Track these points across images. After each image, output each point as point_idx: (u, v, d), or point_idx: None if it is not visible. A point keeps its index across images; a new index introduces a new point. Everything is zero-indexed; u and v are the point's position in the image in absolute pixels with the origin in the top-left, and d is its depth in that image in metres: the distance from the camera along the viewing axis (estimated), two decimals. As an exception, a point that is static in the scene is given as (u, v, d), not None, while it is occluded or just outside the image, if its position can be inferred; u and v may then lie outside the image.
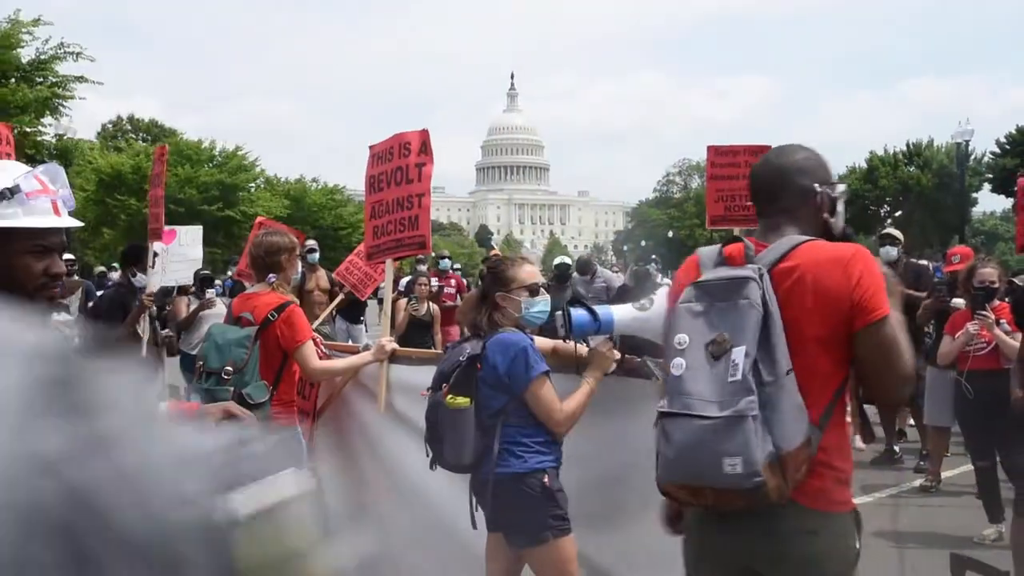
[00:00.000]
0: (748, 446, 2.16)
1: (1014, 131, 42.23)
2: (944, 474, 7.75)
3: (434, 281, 12.24)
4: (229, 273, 16.22)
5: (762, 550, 2.39)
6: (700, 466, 2.24)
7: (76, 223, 2.30)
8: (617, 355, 3.69)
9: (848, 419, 2.59)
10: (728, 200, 6.75)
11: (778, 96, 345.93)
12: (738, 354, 2.22)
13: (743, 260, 2.38)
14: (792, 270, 2.35)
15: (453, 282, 12.53)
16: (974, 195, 48.50)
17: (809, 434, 2.27)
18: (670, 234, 69.92)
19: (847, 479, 2.43)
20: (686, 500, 2.41)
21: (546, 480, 3.45)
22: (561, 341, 3.80)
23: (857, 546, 2.44)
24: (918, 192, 48.78)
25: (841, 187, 2.59)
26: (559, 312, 3.57)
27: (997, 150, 43.73)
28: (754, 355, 2.21)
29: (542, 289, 3.73)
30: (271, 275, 4.63)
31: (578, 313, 3.51)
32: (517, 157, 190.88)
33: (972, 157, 41.51)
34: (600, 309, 3.57)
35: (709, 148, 7.04)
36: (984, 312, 6.08)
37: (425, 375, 4.04)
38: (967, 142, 32.69)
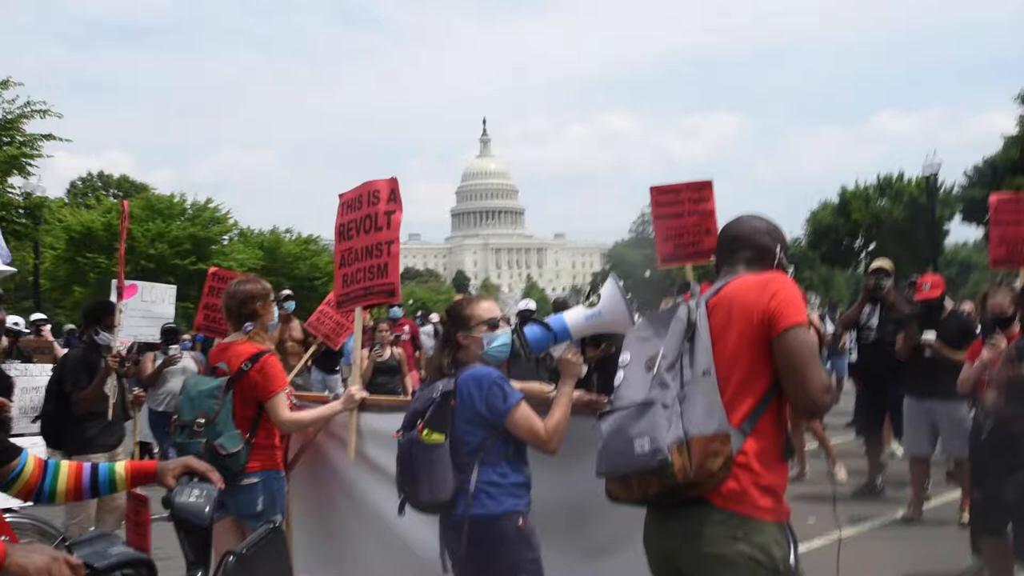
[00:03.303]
0: (654, 427, 2.47)
1: (980, 163, 42.74)
2: (925, 505, 7.73)
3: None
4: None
5: (687, 551, 2.59)
6: (617, 450, 2.54)
7: (10, 270, 2.26)
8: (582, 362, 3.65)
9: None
10: (676, 237, 6.70)
11: (748, 132, 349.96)
12: (659, 355, 2.60)
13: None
14: (722, 295, 2.73)
15: (407, 328, 12.61)
16: (945, 226, 49.01)
17: (723, 429, 2.51)
18: (647, 274, 69.93)
19: (770, 487, 2.56)
20: (620, 495, 2.65)
21: (521, 523, 3.42)
22: (528, 383, 3.77)
23: (790, 559, 2.55)
24: (891, 225, 49.19)
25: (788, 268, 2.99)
26: (514, 336, 3.53)
27: (965, 181, 44.22)
28: (672, 357, 2.58)
29: (501, 323, 3.70)
30: (247, 323, 4.56)
31: (531, 329, 3.51)
32: (492, 202, 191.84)
33: (942, 188, 41.92)
34: (551, 319, 3.56)
35: (652, 189, 6.96)
36: (995, 340, 6.06)
37: (394, 422, 3.99)
38: (935, 175, 33.03)
